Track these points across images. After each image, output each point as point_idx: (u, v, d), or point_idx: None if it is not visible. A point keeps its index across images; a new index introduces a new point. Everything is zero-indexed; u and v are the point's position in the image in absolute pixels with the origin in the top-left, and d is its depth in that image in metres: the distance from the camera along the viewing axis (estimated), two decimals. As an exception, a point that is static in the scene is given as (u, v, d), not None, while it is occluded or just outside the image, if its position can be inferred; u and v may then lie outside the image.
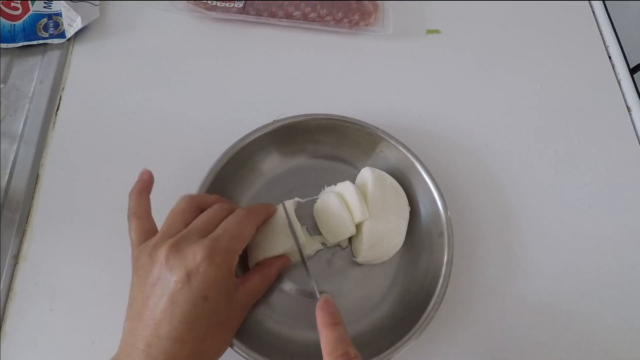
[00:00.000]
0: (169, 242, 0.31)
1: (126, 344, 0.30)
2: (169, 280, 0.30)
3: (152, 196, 0.36)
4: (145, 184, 0.36)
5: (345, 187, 0.41)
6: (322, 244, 0.42)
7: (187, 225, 0.34)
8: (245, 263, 0.39)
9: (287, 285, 0.40)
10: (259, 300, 0.39)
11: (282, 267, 0.39)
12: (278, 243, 0.38)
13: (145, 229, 0.34)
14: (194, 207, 0.35)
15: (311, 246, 0.41)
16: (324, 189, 0.43)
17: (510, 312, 0.42)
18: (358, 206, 0.39)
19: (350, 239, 0.42)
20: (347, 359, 0.28)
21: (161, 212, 0.35)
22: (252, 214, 0.36)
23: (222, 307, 0.32)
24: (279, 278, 0.40)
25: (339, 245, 0.42)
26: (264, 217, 0.38)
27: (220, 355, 0.33)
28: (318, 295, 0.35)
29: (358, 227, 0.40)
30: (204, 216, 0.34)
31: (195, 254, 0.30)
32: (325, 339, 0.29)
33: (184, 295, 0.30)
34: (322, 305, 0.31)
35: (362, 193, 0.41)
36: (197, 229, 0.33)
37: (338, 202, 0.40)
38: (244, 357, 0.34)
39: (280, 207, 0.40)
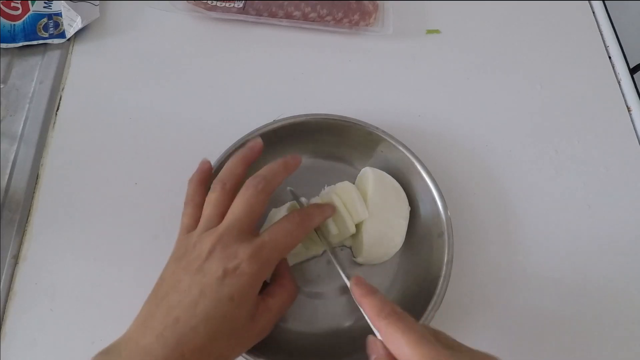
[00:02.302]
0: (216, 235, 0.32)
1: (144, 320, 0.30)
2: (206, 272, 0.30)
3: (151, 196, 0.36)
4: (205, 174, 0.37)
5: (344, 187, 0.41)
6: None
7: (223, 214, 0.33)
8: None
9: (287, 285, 0.40)
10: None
11: (289, 270, 0.38)
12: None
13: (198, 217, 0.34)
14: (229, 194, 0.35)
15: (308, 251, 0.41)
16: (324, 189, 0.43)
17: (511, 312, 0.42)
18: (358, 205, 0.39)
19: (350, 239, 0.42)
20: (397, 316, 0.28)
21: (161, 210, 0.35)
22: (306, 224, 0.35)
23: (243, 314, 0.31)
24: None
25: (342, 244, 0.42)
26: (318, 224, 0.37)
27: None
28: (346, 281, 0.35)
29: (358, 227, 0.40)
30: (243, 204, 0.33)
31: (238, 256, 0.31)
32: (369, 305, 0.29)
33: (214, 290, 0.30)
34: (356, 281, 0.32)
35: (362, 193, 0.41)
36: (240, 222, 0.32)
37: (337, 202, 0.40)
38: (244, 357, 0.34)
39: (285, 206, 0.40)
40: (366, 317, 0.30)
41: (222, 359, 0.32)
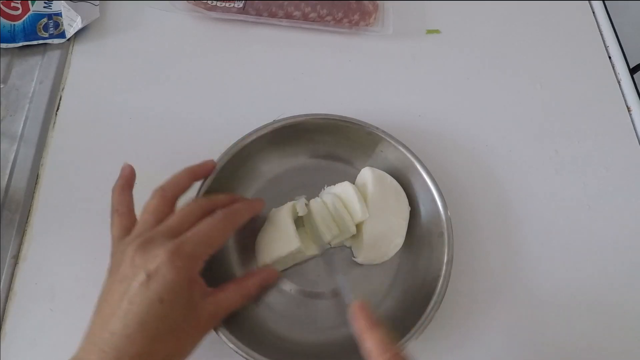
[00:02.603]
0: (137, 241, 0.31)
1: (86, 337, 0.30)
2: (130, 279, 0.30)
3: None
4: (127, 180, 0.36)
5: (344, 188, 0.41)
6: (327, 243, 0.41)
7: (160, 222, 0.33)
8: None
9: (287, 285, 0.40)
10: (259, 300, 0.39)
11: (265, 280, 0.38)
12: (282, 244, 0.38)
13: (126, 226, 0.34)
14: (167, 201, 0.35)
15: (308, 250, 0.41)
16: (324, 189, 0.43)
17: (510, 311, 0.42)
18: (358, 206, 0.39)
19: (350, 239, 0.42)
20: (400, 358, 0.27)
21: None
22: (231, 218, 0.35)
23: (179, 313, 0.31)
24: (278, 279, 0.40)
25: (342, 244, 0.42)
26: (247, 218, 0.37)
27: None
28: (348, 297, 0.35)
29: (358, 227, 0.40)
30: (178, 215, 0.34)
31: (158, 256, 0.30)
32: (372, 340, 0.29)
33: (141, 296, 0.30)
34: (359, 308, 0.30)
35: (362, 193, 0.41)
36: (168, 229, 0.33)
37: (338, 202, 0.40)
38: (244, 357, 0.34)
39: (285, 206, 0.40)
40: (364, 348, 0.29)
41: (169, 356, 0.31)
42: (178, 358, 0.32)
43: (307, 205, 0.40)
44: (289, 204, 0.40)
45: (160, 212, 0.34)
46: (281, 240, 0.38)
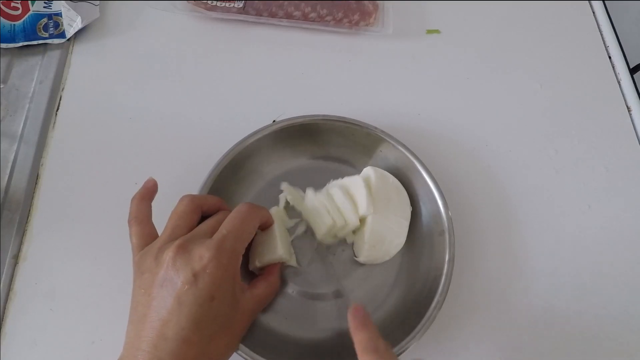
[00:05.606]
0: (176, 243, 0.31)
1: (131, 346, 0.30)
2: (176, 282, 0.30)
3: (152, 197, 0.36)
4: (148, 191, 0.36)
5: (354, 181, 0.40)
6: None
7: (190, 227, 0.34)
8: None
9: (289, 287, 0.40)
10: None
11: (280, 272, 0.39)
12: (277, 246, 0.38)
13: (146, 234, 0.34)
14: (196, 208, 0.35)
15: (292, 261, 0.41)
16: (330, 182, 0.42)
17: (512, 310, 0.42)
18: (365, 200, 0.38)
19: (352, 237, 0.42)
20: (377, 354, 0.28)
21: (161, 213, 0.35)
22: (255, 211, 0.35)
23: (228, 309, 0.32)
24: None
25: (344, 241, 0.42)
26: (265, 220, 0.37)
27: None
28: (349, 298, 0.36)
29: (360, 225, 0.40)
30: (209, 222, 0.35)
31: (202, 255, 0.31)
32: (358, 339, 0.30)
33: (191, 296, 0.30)
34: (354, 312, 0.31)
35: (364, 193, 0.41)
36: (203, 232, 0.33)
37: (342, 194, 0.40)
38: (245, 358, 0.34)
39: (273, 210, 0.40)
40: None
41: (222, 354, 0.32)
42: (229, 357, 0.33)
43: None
44: (274, 209, 0.41)
45: (189, 218, 0.34)
46: (268, 245, 0.38)
